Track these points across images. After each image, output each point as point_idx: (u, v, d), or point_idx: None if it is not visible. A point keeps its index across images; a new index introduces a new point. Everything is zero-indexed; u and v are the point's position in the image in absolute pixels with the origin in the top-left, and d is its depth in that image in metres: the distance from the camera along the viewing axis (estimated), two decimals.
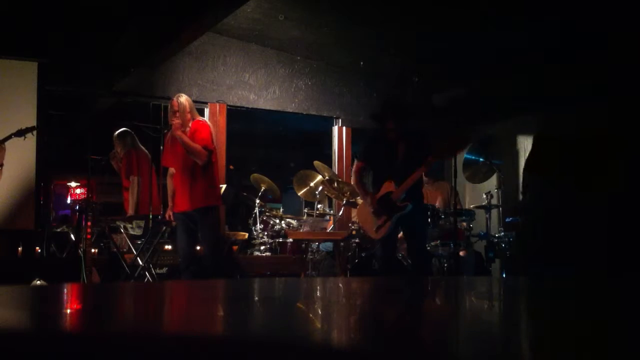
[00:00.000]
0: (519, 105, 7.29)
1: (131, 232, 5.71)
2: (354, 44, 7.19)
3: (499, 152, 6.22)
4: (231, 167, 7.65)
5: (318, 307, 1.16)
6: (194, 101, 5.55)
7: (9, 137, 5.49)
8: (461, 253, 5.84)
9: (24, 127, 5.50)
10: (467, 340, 0.76)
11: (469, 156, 6.16)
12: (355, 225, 6.15)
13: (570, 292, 1.50)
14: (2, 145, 5.56)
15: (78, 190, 10.78)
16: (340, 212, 6.98)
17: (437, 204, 6.13)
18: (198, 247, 5.29)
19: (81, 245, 5.41)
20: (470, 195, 7.82)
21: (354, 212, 7.09)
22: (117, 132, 6.28)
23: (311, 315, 1.03)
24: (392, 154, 4.85)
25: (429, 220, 5.51)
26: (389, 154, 4.87)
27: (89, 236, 5.31)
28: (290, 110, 7.67)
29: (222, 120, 7.20)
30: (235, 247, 7.01)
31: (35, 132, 5.61)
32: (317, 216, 6.96)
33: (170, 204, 5.27)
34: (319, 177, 6.87)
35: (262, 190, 7.14)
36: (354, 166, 5.20)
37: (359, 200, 6.30)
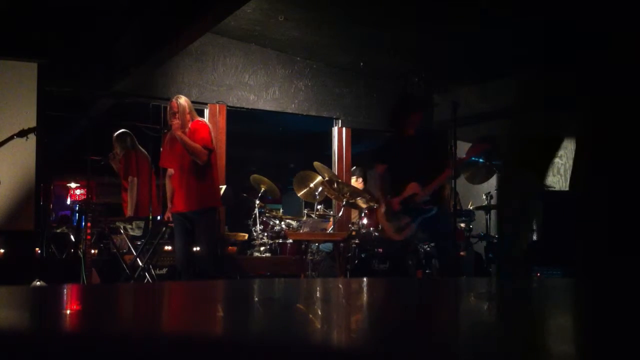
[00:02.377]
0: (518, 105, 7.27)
1: (131, 233, 5.71)
2: (354, 44, 7.19)
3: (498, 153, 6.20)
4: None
5: (318, 308, 1.16)
6: (194, 102, 5.54)
7: (11, 138, 5.47)
8: (461, 254, 5.84)
9: (26, 128, 5.48)
10: (466, 341, 0.76)
11: None
12: (355, 225, 6.15)
13: (569, 291, 1.50)
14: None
15: (78, 191, 10.77)
16: (340, 213, 6.98)
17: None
18: (196, 248, 5.28)
19: (81, 246, 5.41)
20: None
21: (354, 213, 7.08)
22: (116, 133, 6.28)
23: (311, 316, 1.03)
24: (410, 155, 4.75)
25: None
26: (406, 155, 4.76)
27: (88, 237, 5.31)
28: (290, 111, 7.67)
29: (222, 121, 7.20)
30: (234, 249, 7.00)
31: (35, 133, 5.59)
32: (317, 217, 6.96)
33: (169, 205, 5.27)
34: (319, 178, 6.87)
35: (262, 191, 7.13)
36: (376, 170, 5.02)
37: (359, 201, 6.29)
